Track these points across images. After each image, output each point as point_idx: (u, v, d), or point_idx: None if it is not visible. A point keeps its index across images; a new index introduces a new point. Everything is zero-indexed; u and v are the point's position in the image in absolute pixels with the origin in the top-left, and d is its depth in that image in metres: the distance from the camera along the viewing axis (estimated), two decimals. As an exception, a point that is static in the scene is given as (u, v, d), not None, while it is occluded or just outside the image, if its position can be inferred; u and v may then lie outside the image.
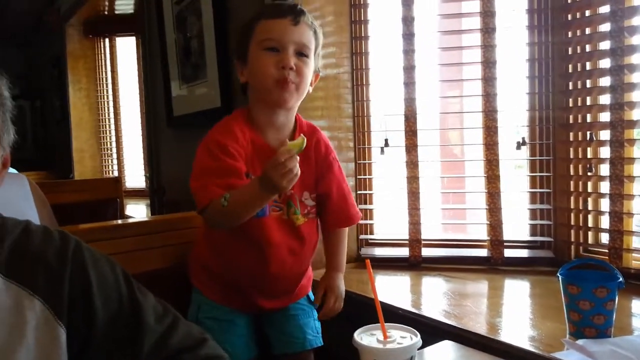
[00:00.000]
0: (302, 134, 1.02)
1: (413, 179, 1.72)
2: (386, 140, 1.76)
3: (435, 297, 1.46)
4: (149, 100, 2.84)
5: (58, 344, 0.71)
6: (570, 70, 1.61)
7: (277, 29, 1.09)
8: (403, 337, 0.86)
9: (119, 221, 1.58)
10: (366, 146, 1.83)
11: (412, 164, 1.72)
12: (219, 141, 1.10)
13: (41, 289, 0.72)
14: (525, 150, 1.69)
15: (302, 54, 1.10)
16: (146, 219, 2.25)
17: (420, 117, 1.72)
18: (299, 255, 1.22)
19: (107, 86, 4.41)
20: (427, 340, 0.91)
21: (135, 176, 4.21)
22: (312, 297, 1.33)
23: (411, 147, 1.72)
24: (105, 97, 4.43)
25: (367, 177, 1.85)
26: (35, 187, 1.50)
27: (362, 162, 1.84)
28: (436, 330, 1.20)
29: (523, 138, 1.66)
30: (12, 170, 1.57)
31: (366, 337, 0.86)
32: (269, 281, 1.19)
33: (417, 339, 0.84)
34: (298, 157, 0.96)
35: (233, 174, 1.07)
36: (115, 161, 4.44)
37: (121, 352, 0.76)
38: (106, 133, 4.48)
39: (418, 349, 0.85)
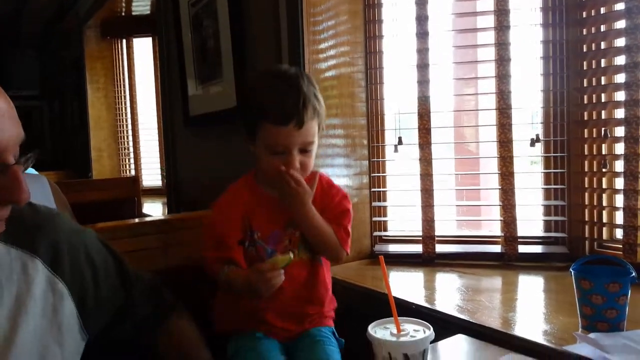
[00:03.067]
0: (290, 252, 1.10)
1: (426, 176, 1.74)
2: (399, 138, 1.78)
3: (448, 293, 1.47)
4: (165, 99, 2.88)
5: (61, 299, 0.84)
6: (585, 68, 1.61)
7: (282, 136, 1.12)
8: (416, 331, 0.88)
9: (137, 220, 1.62)
10: (380, 144, 1.85)
11: (426, 161, 1.73)
12: (214, 212, 1.22)
13: (40, 251, 0.84)
14: (539, 147, 1.69)
15: (306, 150, 1.15)
16: (164, 217, 2.30)
17: (434, 115, 1.73)
18: (306, 284, 1.25)
19: (124, 86, 4.48)
20: (441, 335, 0.93)
21: (152, 175, 4.27)
22: (336, 334, 1.31)
23: (425, 144, 1.73)
24: (123, 97, 4.50)
25: (380, 174, 1.87)
26: (56, 188, 1.54)
27: (375, 160, 1.86)
28: (449, 324, 1.22)
29: (537, 135, 1.66)
30: (31, 170, 1.62)
31: (380, 331, 0.88)
32: (279, 306, 1.23)
33: (429, 332, 0.86)
34: (282, 271, 1.06)
35: (225, 248, 1.18)
36: (132, 160, 4.50)
37: (115, 297, 0.97)
38: (124, 132, 4.55)
39: (431, 342, 0.87)
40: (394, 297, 0.91)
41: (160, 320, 1.05)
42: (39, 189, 1.43)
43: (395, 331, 0.87)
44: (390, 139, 1.84)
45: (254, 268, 1.08)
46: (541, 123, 1.69)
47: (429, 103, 1.73)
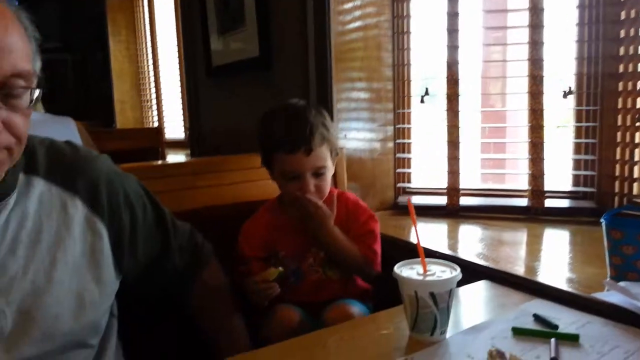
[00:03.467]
0: (280, 267, 1.14)
1: (453, 128, 1.71)
2: (427, 89, 1.74)
3: (472, 243, 1.47)
4: (188, 50, 2.86)
5: (100, 238, 0.85)
6: (621, 18, 1.54)
7: (293, 163, 1.19)
8: (443, 271, 0.88)
9: (160, 162, 1.63)
10: (406, 95, 1.82)
11: (453, 113, 1.70)
12: (240, 235, 1.29)
13: (80, 190, 0.84)
14: (571, 100, 1.64)
15: (319, 174, 1.22)
16: (188, 160, 2.31)
17: (463, 66, 1.68)
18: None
19: (146, 38, 4.45)
20: (464, 281, 0.92)
21: (174, 127, 4.28)
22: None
23: (452, 95, 1.69)
24: (145, 49, 4.48)
25: (405, 126, 1.85)
26: (83, 130, 1.56)
27: (401, 111, 1.83)
28: (473, 271, 1.21)
29: (570, 87, 1.61)
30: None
31: (406, 270, 0.89)
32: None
33: (456, 273, 0.86)
34: (275, 283, 1.12)
35: (245, 263, 1.26)
36: (155, 112, 4.51)
37: (152, 245, 0.98)
38: (146, 84, 4.55)
39: (456, 286, 0.87)
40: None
41: (195, 271, 1.08)
42: (66, 130, 1.45)
43: (421, 271, 0.87)
44: (416, 89, 1.80)
45: (250, 279, 1.15)
46: (574, 75, 1.64)
47: (457, 53, 1.68)
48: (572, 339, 0.85)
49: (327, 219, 1.22)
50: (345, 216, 1.29)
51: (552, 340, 0.83)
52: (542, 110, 1.62)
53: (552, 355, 0.79)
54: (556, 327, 0.89)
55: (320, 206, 1.21)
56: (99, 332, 0.88)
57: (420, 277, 0.85)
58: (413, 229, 1.64)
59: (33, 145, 0.83)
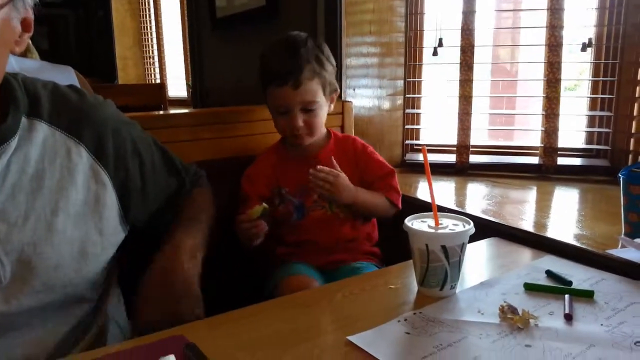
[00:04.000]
0: (264, 203, 1.11)
1: (466, 82, 1.64)
2: (440, 39, 1.67)
3: (481, 200, 1.43)
4: (191, 1, 2.77)
5: (104, 188, 0.81)
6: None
7: (282, 96, 1.18)
8: (455, 225, 0.84)
9: (161, 112, 1.59)
10: (418, 46, 1.75)
11: (467, 66, 1.63)
12: (243, 178, 1.27)
13: (85, 138, 0.80)
14: (590, 53, 1.57)
15: (309, 109, 1.19)
16: (192, 110, 2.27)
17: (478, 15, 1.61)
18: (347, 239, 1.25)
19: (148, -10, 4.34)
20: (472, 238, 0.89)
21: (177, 85, 4.21)
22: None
23: (467, 47, 1.62)
24: (147, 2, 4.36)
25: (416, 79, 1.78)
26: (82, 79, 1.50)
27: (412, 63, 1.76)
28: (482, 228, 1.17)
29: (590, 39, 1.54)
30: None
31: (417, 223, 0.85)
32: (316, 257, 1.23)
33: (470, 226, 0.83)
34: (261, 221, 1.10)
35: (247, 206, 1.19)
36: (157, 70, 4.43)
37: (166, 186, 0.96)
38: (148, 40, 4.46)
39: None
40: (424, 201, 0.87)
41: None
42: (65, 79, 1.39)
43: (433, 224, 0.84)
44: (429, 41, 1.73)
45: (237, 219, 1.13)
46: (594, 26, 1.56)
47: (473, 1, 1.61)
48: (586, 295, 0.82)
49: (341, 188, 1.16)
50: (354, 156, 1.27)
51: (566, 296, 0.80)
52: (559, 63, 1.56)
53: (567, 311, 0.76)
54: (570, 283, 0.86)
55: (333, 181, 1.15)
56: (97, 285, 0.85)
57: (432, 230, 0.82)
58: (422, 185, 1.63)
59: (36, 88, 0.79)
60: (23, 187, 0.73)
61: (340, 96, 1.67)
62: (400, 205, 1.26)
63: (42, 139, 0.76)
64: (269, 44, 1.24)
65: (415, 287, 0.86)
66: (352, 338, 0.70)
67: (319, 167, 1.16)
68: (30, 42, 1.58)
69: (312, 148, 1.26)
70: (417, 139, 1.85)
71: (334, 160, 1.20)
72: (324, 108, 1.22)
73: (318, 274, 1.19)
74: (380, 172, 1.27)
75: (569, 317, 0.75)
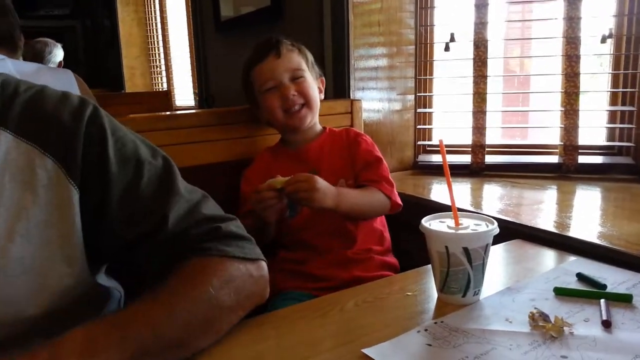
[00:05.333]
0: (278, 176, 1.05)
1: (480, 78, 1.58)
2: (452, 34, 1.60)
3: (500, 201, 1.36)
4: (195, 4, 2.74)
5: (70, 204, 0.67)
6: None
7: (266, 69, 1.18)
8: (477, 225, 0.78)
9: (168, 112, 1.54)
10: (429, 42, 1.68)
11: (480, 62, 1.57)
12: (242, 176, 1.24)
13: (52, 147, 0.67)
14: (609, 45, 1.50)
15: (297, 77, 1.18)
16: (197, 111, 2.22)
17: (492, 8, 1.54)
18: (348, 233, 1.17)
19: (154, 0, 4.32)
20: (493, 241, 0.81)
21: (184, 95, 4.18)
22: None
23: (480, 41, 1.55)
24: (153, 10, 4.35)
25: (427, 77, 1.72)
26: (82, 82, 1.47)
27: (423, 60, 1.70)
28: (503, 230, 1.11)
29: (611, 29, 1.47)
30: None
31: (435, 224, 0.79)
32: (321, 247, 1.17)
33: (493, 226, 0.76)
34: (277, 194, 1.04)
35: (246, 203, 1.17)
36: (164, 79, 4.42)
37: (147, 217, 0.70)
38: (154, 49, 4.44)
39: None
40: (439, 204, 0.80)
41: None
42: (64, 81, 1.36)
43: (453, 224, 0.77)
44: (440, 36, 1.67)
45: (253, 191, 1.07)
46: (613, 16, 1.49)
47: (486, -6, 1.54)
48: (624, 300, 0.75)
49: (317, 193, 1.04)
50: (347, 146, 1.22)
51: (602, 301, 0.73)
52: (578, 57, 1.48)
53: (604, 317, 0.69)
54: (604, 287, 0.79)
55: (307, 188, 1.04)
56: (71, 322, 0.60)
57: (452, 231, 0.75)
58: (436, 187, 1.56)
59: (15, 93, 0.68)
60: None
61: (348, 95, 1.61)
62: (396, 200, 1.17)
63: (4, 151, 0.65)
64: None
65: (434, 293, 0.80)
66: (368, 351, 0.63)
67: (293, 175, 1.05)
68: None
69: (304, 143, 1.23)
70: (430, 139, 1.78)
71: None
72: (312, 83, 1.20)
73: None
74: (367, 158, 1.18)
75: (607, 324, 0.68)
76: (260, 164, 1.24)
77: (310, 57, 1.25)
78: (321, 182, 1.06)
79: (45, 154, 0.66)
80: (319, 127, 1.26)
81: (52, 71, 1.43)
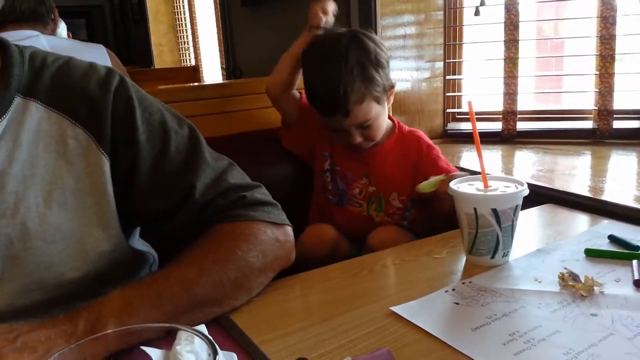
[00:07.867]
0: (431, 176, 1.00)
1: (512, 43, 1.54)
2: (482, -3, 1.56)
3: (532, 168, 1.34)
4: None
5: (102, 172, 0.69)
6: None
7: (332, 123, 1.11)
8: (506, 187, 0.77)
9: (196, 84, 1.55)
10: (458, 7, 1.64)
11: (512, 25, 1.52)
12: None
13: (82, 117, 0.68)
14: (648, 4, 1.44)
15: (365, 127, 1.10)
16: (224, 81, 2.23)
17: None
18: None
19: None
20: (524, 206, 0.81)
21: (212, 70, 4.20)
22: None
23: (511, 4, 1.51)
24: (179, -15, 4.36)
25: (457, 43, 1.68)
26: (114, 57, 1.49)
27: (452, 26, 1.66)
28: (534, 195, 1.09)
29: (648, -13, 1.41)
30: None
31: (464, 186, 0.78)
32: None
33: (523, 187, 0.75)
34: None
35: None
36: (192, 55, 4.44)
37: (175, 187, 0.72)
38: (182, 26, 4.46)
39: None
40: (469, 171, 0.79)
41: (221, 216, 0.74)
42: (97, 56, 1.38)
43: (482, 187, 0.77)
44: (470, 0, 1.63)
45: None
46: (654, -25, 1.43)
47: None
48: (657, 261, 0.74)
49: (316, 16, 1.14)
50: (416, 157, 1.16)
51: (634, 261, 0.72)
52: (614, 17, 1.43)
53: (636, 277, 0.68)
54: (637, 248, 0.78)
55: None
56: (108, 285, 0.65)
57: (481, 192, 0.75)
58: (466, 155, 1.54)
59: (43, 65, 0.70)
60: (12, 175, 0.64)
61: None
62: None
63: (36, 122, 0.67)
64: (307, 50, 1.12)
65: (462, 256, 0.80)
66: (396, 309, 0.64)
67: (451, 174, 1.03)
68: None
69: (373, 144, 1.17)
70: (459, 107, 1.76)
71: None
72: (381, 115, 1.12)
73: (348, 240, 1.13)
74: (435, 167, 1.14)
75: (639, 284, 0.67)
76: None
77: (382, 76, 1.09)
78: None
79: (76, 124, 0.68)
80: (388, 122, 1.18)
81: (85, 46, 1.45)
